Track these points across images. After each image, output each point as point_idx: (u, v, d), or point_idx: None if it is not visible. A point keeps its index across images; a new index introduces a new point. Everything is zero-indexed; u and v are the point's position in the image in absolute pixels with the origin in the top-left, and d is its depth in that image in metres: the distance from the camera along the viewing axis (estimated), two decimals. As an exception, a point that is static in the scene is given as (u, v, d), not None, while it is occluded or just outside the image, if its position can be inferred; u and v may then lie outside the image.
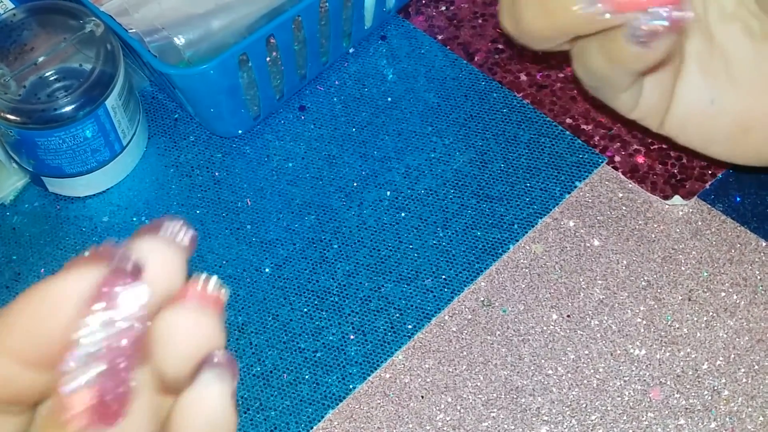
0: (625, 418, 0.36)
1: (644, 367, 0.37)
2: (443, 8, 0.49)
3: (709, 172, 0.42)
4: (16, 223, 0.43)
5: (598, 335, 0.38)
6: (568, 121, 0.45)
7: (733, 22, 0.35)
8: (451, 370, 0.38)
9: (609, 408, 0.36)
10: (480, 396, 0.37)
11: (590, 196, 0.42)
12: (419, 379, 0.38)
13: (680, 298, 0.39)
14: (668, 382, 0.37)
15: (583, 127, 0.44)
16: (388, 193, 0.43)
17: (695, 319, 0.38)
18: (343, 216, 0.42)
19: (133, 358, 0.19)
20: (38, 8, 0.42)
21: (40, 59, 0.41)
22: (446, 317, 0.39)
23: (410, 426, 0.37)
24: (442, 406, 0.37)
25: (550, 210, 0.42)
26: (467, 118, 0.45)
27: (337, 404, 0.37)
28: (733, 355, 0.37)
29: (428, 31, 0.48)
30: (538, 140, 0.44)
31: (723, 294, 0.39)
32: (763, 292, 0.39)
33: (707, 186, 0.42)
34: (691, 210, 0.41)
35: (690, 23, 0.35)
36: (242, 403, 0.38)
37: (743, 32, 0.35)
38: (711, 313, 0.38)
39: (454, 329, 0.39)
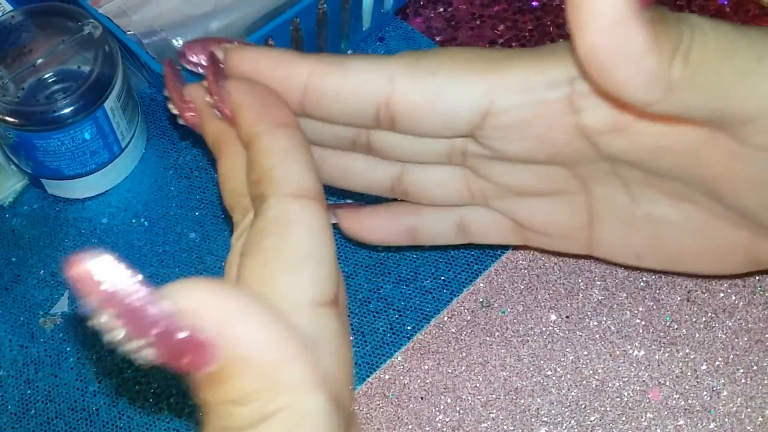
0: (624, 418, 0.36)
1: (643, 367, 0.37)
2: (441, 9, 0.49)
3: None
4: (15, 224, 0.43)
5: (597, 336, 0.38)
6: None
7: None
8: (450, 371, 0.38)
9: (608, 409, 0.36)
10: (479, 397, 0.37)
11: (589, 197, 0.42)
12: (418, 380, 0.38)
13: (679, 298, 0.39)
14: (667, 383, 0.37)
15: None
16: (387, 194, 0.43)
17: (694, 319, 0.38)
18: (342, 217, 0.42)
19: None
20: (36, 10, 0.42)
21: (39, 61, 0.41)
22: (445, 318, 0.39)
23: (410, 427, 0.37)
24: (442, 407, 0.37)
25: (549, 211, 0.42)
26: (466, 119, 0.45)
27: (337, 405, 0.37)
28: (731, 356, 0.37)
29: (426, 33, 0.49)
30: (536, 141, 0.44)
31: (722, 294, 0.39)
32: (761, 292, 0.39)
33: (706, 186, 0.42)
34: (689, 210, 0.41)
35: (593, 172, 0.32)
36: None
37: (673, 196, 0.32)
38: (710, 314, 0.38)
39: (453, 330, 0.39)
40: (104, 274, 0.19)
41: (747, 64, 0.26)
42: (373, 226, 0.37)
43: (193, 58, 0.32)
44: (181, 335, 0.20)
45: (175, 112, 0.33)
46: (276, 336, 0.22)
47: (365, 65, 0.30)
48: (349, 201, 0.39)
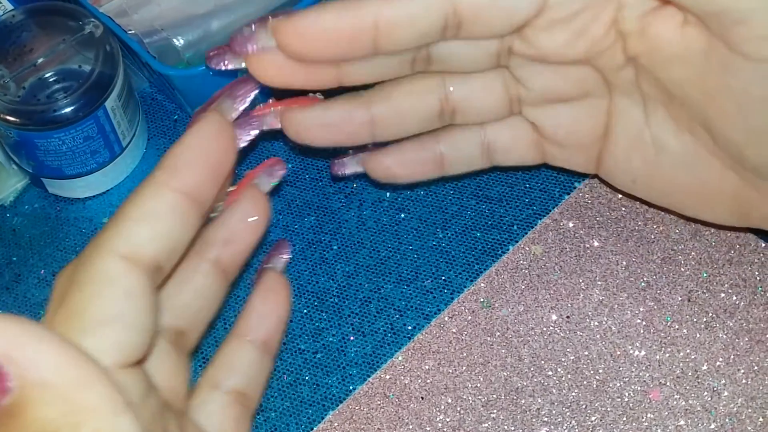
0: (624, 419, 0.36)
1: (644, 368, 0.37)
2: (443, 9, 0.49)
3: (709, 172, 0.42)
4: (16, 224, 0.43)
5: (598, 336, 0.38)
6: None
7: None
8: (450, 371, 0.38)
9: (609, 409, 0.36)
10: (480, 397, 0.37)
11: (590, 197, 0.42)
12: (419, 380, 0.38)
13: (680, 299, 0.39)
14: (668, 383, 0.37)
15: (583, 127, 0.44)
16: (388, 194, 0.43)
17: (695, 320, 0.38)
18: (343, 217, 0.42)
19: None
20: (37, 9, 0.42)
21: (40, 60, 0.41)
22: (446, 318, 0.39)
23: (410, 427, 0.37)
24: (442, 407, 0.37)
25: (550, 211, 0.42)
26: (467, 119, 0.45)
27: (337, 405, 0.37)
28: (732, 356, 0.37)
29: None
30: (537, 141, 0.44)
31: (722, 295, 0.39)
32: (762, 293, 0.39)
33: (707, 187, 0.42)
34: (690, 211, 0.41)
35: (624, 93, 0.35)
36: (242, 404, 0.38)
37: (684, 126, 0.34)
38: (710, 314, 0.38)
39: (453, 330, 0.39)
40: None
41: None
42: (402, 160, 0.38)
43: (241, 50, 0.32)
44: None
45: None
46: (72, 357, 0.21)
47: None
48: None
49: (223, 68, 0.33)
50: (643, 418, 0.36)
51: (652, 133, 0.35)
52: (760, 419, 0.36)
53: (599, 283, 0.39)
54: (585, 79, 0.35)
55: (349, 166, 0.38)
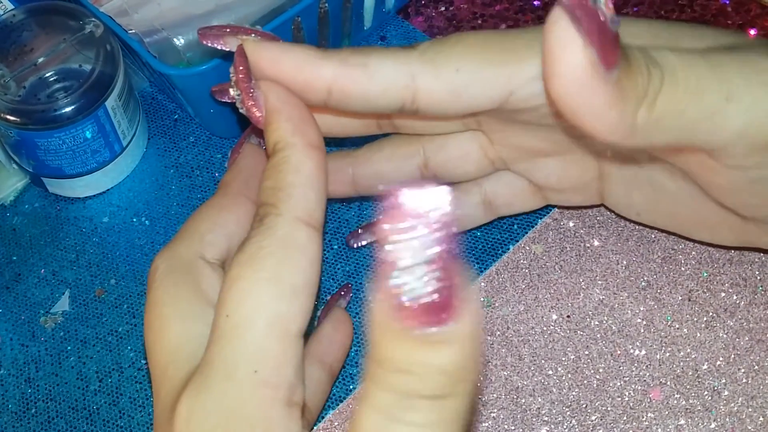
0: (625, 418, 0.36)
1: (644, 367, 0.37)
2: (442, 9, 0.49)
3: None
4: (16, 223, 0.43)
5: (598, 335, 0.38)
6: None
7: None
8: (451, 370, 0.38)
9: (609, 408, 0.36)
10: (480, 396, 0.37)
11: (590, 197, 0.42)
12: (419, 380, 0.38)
13: (680, 298, 0.39)
14: (668, 383, 0.37)
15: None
16: (388, 193, 0.43)
17: (695, 319, 0.38)
18: (344, 216, 0.42)
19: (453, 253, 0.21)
20: (38, 9, 0.42)
21: (40, 60, 0.41)
22: (446, 318, 0.39)
23: (410, 426, 0.37)
24: (443, 407, 0.37)
25: (550, 210, 0.42)
26: (467, 119, 0.45)
27: (338, 405, 0.37)
28: (733, 356, 0.37)
29: (428, 32, 0.48)
30: (537, 140, 0.44)
31: (723, 294, 0.39)
32: (762, 292, 0.39)
33: (707, 186, 0.42)
34: (690, 210, 0.41)
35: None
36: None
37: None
38: (711, 314, 0.38)
39: (454, 330, 0.39)
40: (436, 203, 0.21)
41: (714, 104, 0.27)
42: None
43: (208, 44, 0.32)
44: (457, 286, 0.21)
45: (235, 96, 0.31)
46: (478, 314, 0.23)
47: (389, 64, 0.30)
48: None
49: (228, 100, 0.33)
50: (643, 417, 0.36)
51: (647, 174, 0.35)
52: (761, 418, 0.36)
53: (600, 282, 0.39)
54: (563, 140, 0.34)
55: (363, 238, 0.41)
